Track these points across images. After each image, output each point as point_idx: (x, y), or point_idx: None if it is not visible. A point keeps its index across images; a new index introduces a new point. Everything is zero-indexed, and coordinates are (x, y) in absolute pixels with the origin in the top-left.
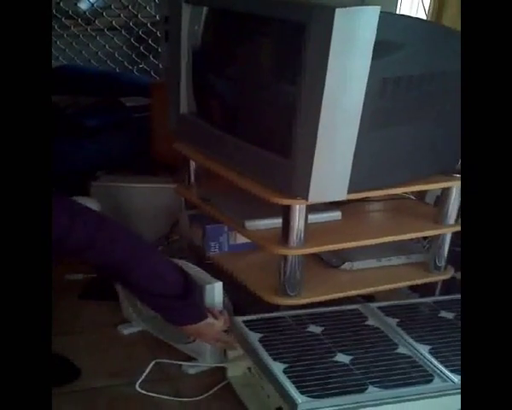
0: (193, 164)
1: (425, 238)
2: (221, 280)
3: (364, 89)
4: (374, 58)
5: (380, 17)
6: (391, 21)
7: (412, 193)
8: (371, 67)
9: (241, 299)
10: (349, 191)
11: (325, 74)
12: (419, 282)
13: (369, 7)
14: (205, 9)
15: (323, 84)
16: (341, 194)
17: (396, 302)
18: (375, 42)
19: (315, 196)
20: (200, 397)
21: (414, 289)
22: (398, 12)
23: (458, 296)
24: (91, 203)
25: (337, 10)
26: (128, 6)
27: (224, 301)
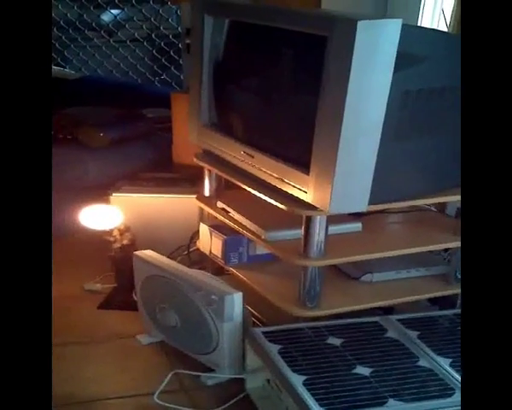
0: (213, 175)
1: (446, 250)
2: (240, 291)
3: (386, 101)
4: (395, 70)
5: (402, 29)
6: (412, 34)
7: (433, 205)
8: (393, 79)
9: (260, 310)
10: (370, 203)
11: (347, 87)
12: (439, 294)
13: (392, 19)
14: (227, 21)
15: (345, 97)
16: (362, 206)
17: (416, 315)
18: (397, 54)
19: (336, 207)
20: (218, 409)
21: (433, 301)
22: (419, 24)
23: None
24: (114, 213)
25: (359, 23)
26: (150, 18)
27: (243, 311)
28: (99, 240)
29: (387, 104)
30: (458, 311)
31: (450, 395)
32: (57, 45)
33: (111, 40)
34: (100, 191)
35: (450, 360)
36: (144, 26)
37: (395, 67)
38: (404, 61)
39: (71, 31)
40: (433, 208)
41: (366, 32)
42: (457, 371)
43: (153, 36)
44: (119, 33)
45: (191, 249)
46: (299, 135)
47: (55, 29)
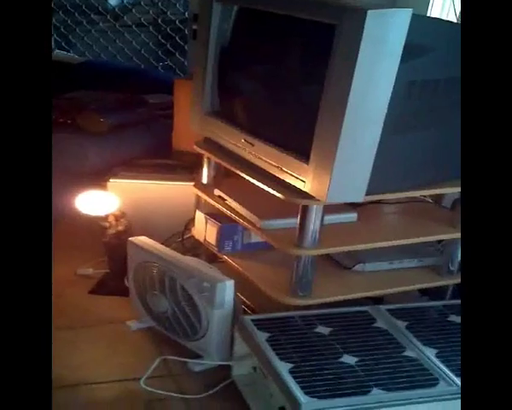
0: (212, 163)
1: (439, 242)
2: (233, 279)
3: (391, 92)
4: (402, 61)
5: (411, 19)
6: (421, 24)
7: (429, 196)
8: (398, 69)
9: (251, 298)
10: (367, 193)
11: (352, 76)
12: (430, 285)
13: (402, 9)
14: (235, 8)
15: (350, 86)
16: (359, 196)
17: (405, 305)
18: (405, 44)
19: (333, 197)
20: (204, 395)
21: (424, 292)
22: (429, 14)
23: None
24: (110, 199)
25: (369, 12)
26: (158, 2)
27: (234, 299)
28: (94, 225)
29: (391, 94)
30: (448, 302)
31: (433, 386)
32: (62, 29)
33: (116, 24)
34: (98, 177)
35: (436, 350)
36: (151, 11)
37: (402, 58)
38: (411, 51)
39: (77, 14)
40: (429, 200)
41: (375, 21)
42: (443, 361)
43: (159, 21)
44: (125, 18)
45: (185, 236)
46: (300, 123)
47: (60, 12)
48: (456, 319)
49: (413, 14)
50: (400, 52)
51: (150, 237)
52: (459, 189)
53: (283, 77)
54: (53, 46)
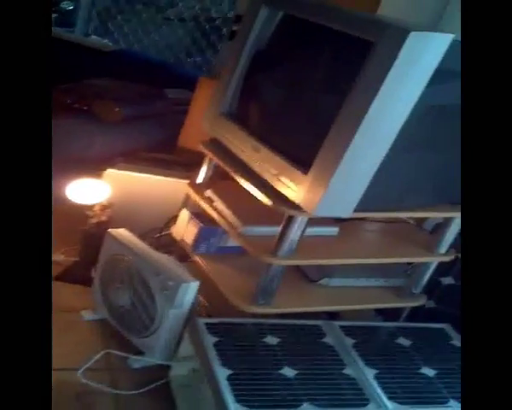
0: (212, 164)
1: (409, 263)
2: (199, 280)
3: (407, 115)
4: (427, 85)
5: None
6: (455, 49)
7: (412, 218)
8: (422, 93)
9: (213, 301)
10: (355, 210)
11: (376, 94)
12: (388, 306)
13: (444, 34)
14: (280, 14)
15: (370, 104)
16: (348, 212)
17: (358, 323)
18: (436, 69)
19: (322, 210)
20: (135, 392)
21: (380, 312)
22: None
23: (421, 325)
24: (101, 188)
25: (412, 33)
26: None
27: (194, 301)
28: (79, 213)
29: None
30: (401, 324)
31: (363, 405)
32: (104, 15)
33: (158, 17)
34: (100, 166)
35: (376, 371)
36: (197, 7)
37: (428, 81)
38: (438, 76)
39: (122, 2)
40: (410, 221)
41: (415, 41)
42: (379, 383)
43: (200, 18)
44: (168, 11)
45: (163, 233)
46: (311, 134)
47: None
48: (404, 342)
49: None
50: (430, 76)
51: (137, 230)
52: (445, 214)
53: (307, 87)
54: (90, 31)
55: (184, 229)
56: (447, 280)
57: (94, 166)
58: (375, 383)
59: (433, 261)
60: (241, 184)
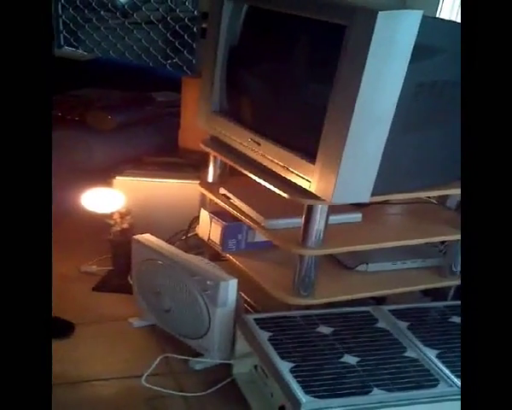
0: (218, 162)
1: (442, 243)
2: (236, 278)
3: (399, 93)
4: (411, 62)
5: (421, 21)
6: (431, 25)
7: (434, 197)
8: (407, 70)
9: (254, 297)
10: (373, 194)
11: (361, 76)
12: (432, 286)
13: (412, 11)
14: (245, 7)
15: (358, 87)
16: (365, 196)
17: (407, 306)
18: (414, 46)
19: (339, 197)
20: (204, 393)
21: (426, 293)
22: (438, 15)
23: None
24: (116, 196)
25: (380, 13)
26: (167, 0)
27: (237, 298)
28: (99, 223)
29: (399, 95)
30: (450, 303)
31: (433, 386)
32: (71, 26)
33: (126, 22)
34: (104, 174)
35: (438, 351)
36: (161, 9)
37: (411, 59)
38: (420, 52)
39: (86, 11)
40: (433, 201)
41: (386, 22)
42: (443, 362)
43: (168, 19)
44: (134, 15)
45: (189, 235)
46: (308, 124)
47: (70, 9)
48: (458, 320)
49: (423, 16)
50: (410, 53)
51: (155, 234)
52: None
53: (291, 77)
54: (62, 43)
55: (209, 229)
56: None
57: (99, 175)
58: (439, 363)
59: None
60: (254, 178)
